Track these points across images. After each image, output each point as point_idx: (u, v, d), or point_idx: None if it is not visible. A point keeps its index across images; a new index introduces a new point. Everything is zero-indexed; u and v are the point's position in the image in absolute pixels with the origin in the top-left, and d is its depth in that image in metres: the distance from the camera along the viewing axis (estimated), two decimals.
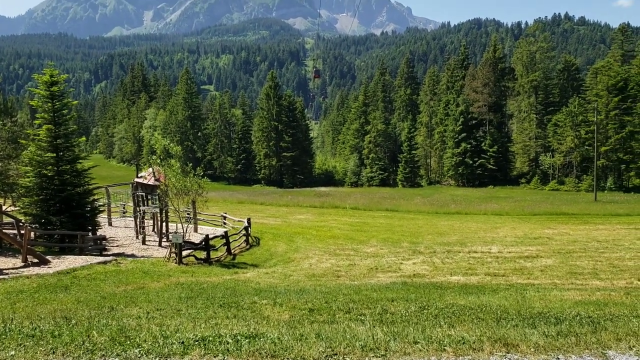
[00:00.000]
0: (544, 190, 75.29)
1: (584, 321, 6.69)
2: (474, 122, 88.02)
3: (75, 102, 28.92)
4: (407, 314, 8.02)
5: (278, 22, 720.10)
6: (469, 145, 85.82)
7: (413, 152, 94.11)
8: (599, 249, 21.92)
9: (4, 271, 15.96)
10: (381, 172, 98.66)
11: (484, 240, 25.93)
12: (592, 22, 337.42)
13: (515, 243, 24.48)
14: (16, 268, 16.76)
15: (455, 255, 21.06)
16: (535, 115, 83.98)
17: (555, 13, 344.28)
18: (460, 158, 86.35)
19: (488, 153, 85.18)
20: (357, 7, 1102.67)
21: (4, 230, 20.34)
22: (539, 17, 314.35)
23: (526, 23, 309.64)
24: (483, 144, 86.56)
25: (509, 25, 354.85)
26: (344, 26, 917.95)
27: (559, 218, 38.91)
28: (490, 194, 67.68)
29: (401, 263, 19.36)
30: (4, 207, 28.34)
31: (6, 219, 25.36)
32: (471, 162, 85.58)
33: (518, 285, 13.92)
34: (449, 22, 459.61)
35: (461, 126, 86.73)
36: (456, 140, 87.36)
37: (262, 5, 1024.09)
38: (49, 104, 23.10)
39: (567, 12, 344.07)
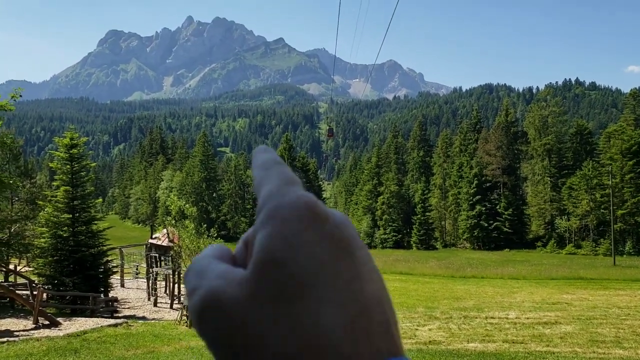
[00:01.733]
0: (561, 254, 73.94)
1: None
2: (488, 184, 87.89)
3: (94, 164, 29.52)
4: None
5: (293, 87, 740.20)
6: (483, 208, 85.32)
7: (427, 213, 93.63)
8: (620, 316, 21.24)
9: (15, 333, 15.87)
10: (395, 233, 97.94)
11: (501, 305, 25.31)
12: (603, 87, 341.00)
13: (533, 308, 23.84)
14: (27, 330, 16.66)
15: (472, 320, 20.54)
16: (549, 179, 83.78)
17: (566, 78, 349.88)
18: (476, 220, 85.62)
19: (503, 216, 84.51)
20: (370, 73, 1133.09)
21: (17, 292, 20.37)
22: (550, 82, 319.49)
23: (537, 88, 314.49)
24: (498, 207, 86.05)
25: (520, 90, 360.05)
26: (357, 91, 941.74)
27: (577, 283, 38.02)
28: (506, 258, 66.61)
29: (416, 329, 18.90)
30: (18, 268, 28.48)
31: (20, 280, 25.44)
32: (486, 224, 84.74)
33: (537, 353, 13.50)
34: (460, 87, 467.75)
35: (475, 188, 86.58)
36: (471, 202, 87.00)
37: (278, 72, 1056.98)
38: (68, 166, 23.63)
39: (577, 78, 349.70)
